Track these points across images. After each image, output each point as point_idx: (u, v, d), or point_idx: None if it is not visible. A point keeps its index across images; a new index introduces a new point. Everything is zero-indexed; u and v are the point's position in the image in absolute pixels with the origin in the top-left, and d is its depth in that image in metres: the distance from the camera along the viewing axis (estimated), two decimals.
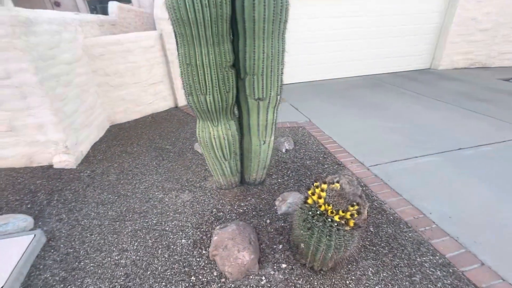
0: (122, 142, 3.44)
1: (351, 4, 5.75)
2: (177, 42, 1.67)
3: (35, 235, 1.86)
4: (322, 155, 2.98)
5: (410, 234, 1.91)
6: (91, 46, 3.56)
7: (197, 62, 1.66)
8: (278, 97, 1.99)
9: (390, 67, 6.74)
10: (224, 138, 2.00)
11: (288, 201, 2.09)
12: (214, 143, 2.00)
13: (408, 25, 6.30)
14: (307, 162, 2.83)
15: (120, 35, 3.89)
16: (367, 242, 1.83)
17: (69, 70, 3.02)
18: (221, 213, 2.11)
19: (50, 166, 2.82)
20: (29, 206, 2.26)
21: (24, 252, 1.73)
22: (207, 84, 1.73)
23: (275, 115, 2.06)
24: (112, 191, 2.45)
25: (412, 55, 6.74)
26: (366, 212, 2.12)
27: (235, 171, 2.25)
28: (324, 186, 1.47)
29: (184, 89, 1.81)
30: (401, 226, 1.99)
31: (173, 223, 2.03)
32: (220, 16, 1.56)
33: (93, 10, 10.85)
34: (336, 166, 2.77)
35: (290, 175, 2.59)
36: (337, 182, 1.54)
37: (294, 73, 6.13)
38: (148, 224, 2.04)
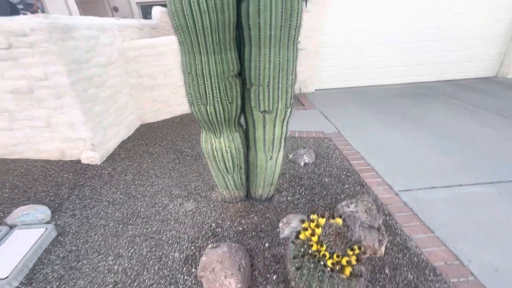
0: (146, 142, 3.57)
1: (400, 1, 5.16)
2: (180, 49, 1.61)
3: (46, 229, 1.98)
4: (344, 173, 2.68)
5: (437, 285, 1.56)
6: (127, 49, 3.78)
7: (197, 71, 1.57)
8: (288, 110, 1.81)
9: (443, 74, 5.92)
10: (226, 150, 1.89)
11: (292, 225, 1.89)
12: (216, 155, 1.90)
13: (469, 26, 5.44)
14: (326, 179, 2.57)
15: (154, 39, 4.06)
16: None
17: (102, 72, 3.23)
18: (219, 229, 2.00)
19: (79, 161, 3.04)
20: (52, 198, 2.44)
21: (33, 245, 1.85)
22: (207, 94, 1.63)
23: (284, 129, 1.88)
24: (125, 191, 2.53)
25: (472, 60, 5.81)
26: (383, 248, 1.82)
27: (239, 184, 2.12)
28: (321, 221, 1.26)
29: (187, 98, 1.75)
30: (427, 272, 1.64)
31: (171, 233, 1.99)
32: (222, 23, 1.45)
33: (146, 14, 11.74)
34: (359, 187, 2.46)
35: (303, 194, 2.37)
36: (340, 217, 1.31)
37: (329, 77, 5.76)
38: (147, 230, 2.03)
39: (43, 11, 6.59)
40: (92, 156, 2.96)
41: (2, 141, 2.97)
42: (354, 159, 2.94)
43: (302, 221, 1.30)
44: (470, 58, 5.78)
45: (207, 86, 1.61)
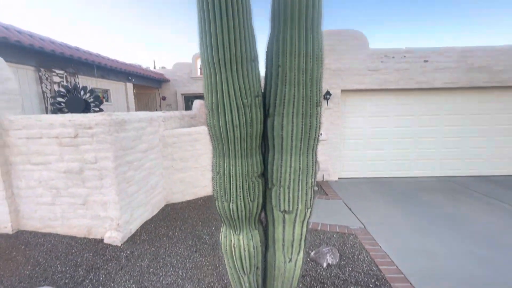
0: (168, 224, 3.62)
1: (424, 103, 5.59)
2: (212, 153, 1.84)
3: None
4: (373, 281, 2.40)
5: None
6: (167, 136, 4.32)
7: (225, 171, 1.74)
8: (308, 211, 1.83)
9: (473, 169, 5.72)
10: (244, 248, 1.86)
11: None
12: (233, 253, 1.88)
13: (495, 126, 5.56)
14: None
15: (191, 128, 4.64)
16: None
17: (142, 156, 3.64)
18: None
19: (101, 240, 3.11)
20: (67, 281, 2.42)
21: None
22: (231, 192, 1.75)
23: (304, 229, 1.86)
24: (138, 280, 2.45)
25: (505, 158, 5.65)
26: None
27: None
28: None
29: (213, 193, 1.88)
30: None
31: None
32: (250, 134, 1.69)
33: (188, 102, 13.73)
34: None
35: None
36: None
37: (353, 167, 5.83)
38: None
39: (107, 100, 8.06)
40: (114, 237, 3.03)
41: (41, 215, 3.22)
42: (383, 263, 2.67)
43: None
44: (503, 154, 5.64)
45: (232, 185, 1.75)
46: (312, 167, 1.80)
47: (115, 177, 3.03)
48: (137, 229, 3.46)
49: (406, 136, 5.69)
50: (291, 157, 1.71)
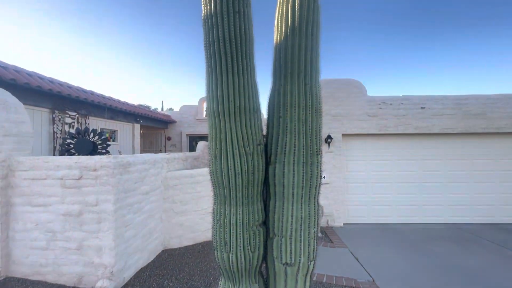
0: (164, 273, 3.41)
1: (425, 148, 5.65)
2: (213, 199, 1.84)
3: None
4: None
5: None
6: (169, 178, 4.33)
7: (225, 220, 1.72)
8: (311, 263, 1.75)
9: (485, 216, 5.51)
10: None
11: None
12: None
13: (501, 171, 5.52)
14: None
15: (194, 170, 4.67)
16: None
17: (143, 199, 3.61)
18: None
19: None
20: None
21: None
22: (231, 242, 1.70)
23: (306, 284, 1.75)
24: None
25: None
26: None
27: None
28: None
29: (212, 242, 1.82)
30: None
31: None
32: (251, 181, 1.71)
33: (192, 141, 14.03)
34: None
35: None
36: None
37: (358, 212, 5.65)
38: None
39: (114, 140, 8.28)
40: (106, 287, 2.85)
41: (33, 260, 3.08)
42: None
43: None
44: (510, 201, 5.48)
45: (232, 234, 1.70)
46: (314, 216, 1.77)
47: (113, 221, 2.96)
48: (131, 278, 3.25)
49: (410, 181, 5.63)
50: (292, 206, 1.70)
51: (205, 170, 4.77)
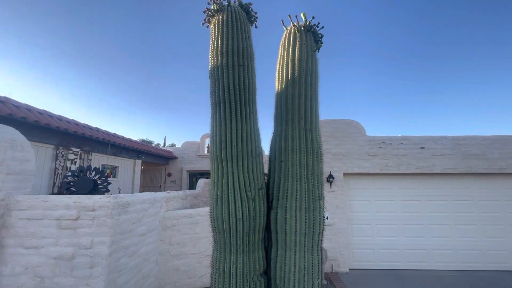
0: None
1: (428, 188, 5.57)
2: (213, 246, 1.78)
3: None
4: None
5: None
6: (167, 218, 4.22)
7: (225, 269, 1.64)
8: None
9: (500, 262, 5.19)
10: None
11: None
12: None
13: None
14: None
15: (193, 209, 4.57)
16: None
17: (140, 240, 3.47)
18: None
19: None
20: None
21: None
22: None
23: None
24: None
25: None
26: None
27: None
28: None
29: None
30: None
31: None
32: (253, 228, 1.67)
33: (192, 177, 13.94)
34: None
35: None
36: None
37: (364, 256, 5.36)
38: None
39: (114, 176, 8.25)
40: None
41: None
42: None
43: None
44: None
45: (232, 285, 1.61)
46: (318, 266, 1.70)
47: (107, 266, 2.82)
48: None
49: (416, 223, 5.44)
50: (295, 254, 1.64)
51: (205, 210, 4.67)
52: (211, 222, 1.71)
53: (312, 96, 1.92)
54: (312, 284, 1.64)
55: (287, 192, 1.75)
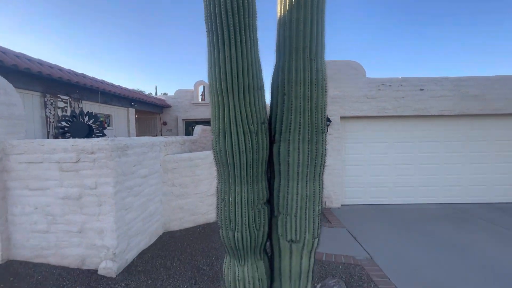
0: (166, 254, 3.46)
1: (422, 130, 5.68)
2: (217, 179, 1.82)
3: None
4: None
5: None
6: (168, 161, 4.29)
7: (230, 198, 1.71)
8: (316, 240, 1.77)
9: (478, 196, 5.65)
10: (249, 281, 1.76)
11: None
12: (237, 285, 1.77)
13: (494, 153, 5.61)
14: None
15: (192, 153, 4.64)
16: None
17: (142, 182, 3.58)
18: None
19: (95, 271, 2.94)
20: None
21: None
22: (236, 220, 1.70)
23: (311, 261, 1.78)
24: None
25: (507, 184, 5.61)
26: None
27: None
28: None
29: (217, 221, 1.82)
30: None
31: None
32: (256, 160, 1.68)
33: (188, 127, 13.90)
34: None
35: None
36: None
37: (355, 193, 5.75)
38: None
39: (108, 125, 8.13)
40: (109, 267, 2.88)
41: (34, 243, 3.08)
42: None
43: None
44: (504, 181, 5.61)
45: (238, 213, 1.70)
46: (319, 194, 1.77)
47: (114, 204, 2.95)
48: (134, 259, 3.29)
49: (407, 163, 5.70)
50: (297, 184, 1.69)
51: (204, 153, 4.75)
52: (214, 156, 1.71)
53: (319, 21, 1.73)
54: (313, 210, 1.73)
55: (290, 126, 1.71)
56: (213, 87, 1.67)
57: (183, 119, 12.32)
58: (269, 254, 1.94)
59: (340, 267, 3.10)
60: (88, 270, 2.98)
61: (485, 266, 3.06)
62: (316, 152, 1.69)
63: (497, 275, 2.85)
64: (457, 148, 5.65)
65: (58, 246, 3.05)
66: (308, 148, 1.68)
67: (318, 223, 1.78)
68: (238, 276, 1.78)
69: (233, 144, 1.64)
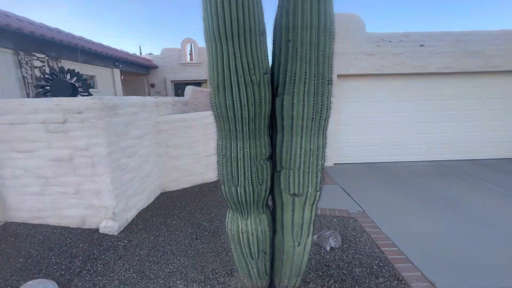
0: (165, 212, 3.52)
1: (418, 89, 5.61)
2: (217, 134, 1.73)
3: None
4: (376, 262, 2.42)
5: None
6: (161, 123, 4.15)
7: (232, 154, 1.65)
8: (318, 193, 1.78)
9: (464, 153, 5.86)
10: (252, 233, 1.80)
11: None
12: (241, 238, 1.81)
13: (486, 110, 5.67)
14: (356, 270, 2.31)
15: (185, 114, 4.48)
16: None
17: (136, 143, 3.48)
18: None
19: (96, 230, 2.99)
20: (63, 272, 2.31)
21: None
22: (239, 176, 1.67)
23: (313, 213, 1.82)
24: (138, 269, 2.37)
25: (492, 142, 5.80)
26: None
27: (263, 273, 1.94)
28: None
29: (218, 178, 1.79)
30: None
31: None
32: (258, 114, 1.59)
33: (177, 89, 13.35)
34: (396, 282, 2.17)
35: None
36: None
37: (348, 152, 5.84)
38: None
39: (93, 86, 7.68)
40: (110, 226, 2.92)
41: (30, 205, 3.05)
42: (384, 245, 2.69)
43: None
44: (497, 138, 5.78)
45: (240, 169, 1.66)
46: (323, 149, 1.73)
47: (108, 165, 2.88)
48: (134, 218, 3.35)
49: (399, 121, 5.73)
50: (301, 138, 1.63)
51: (198, 114, 4.60)
52: (213, 110, 1.60)
53: None
54: (317, 164, 1.71)
55: (295, 77, 1.59)
56: (209, 32, 1.49)
57: (171, 81, 11.77)
58: (271, 208, 1.97)
59: (335, 220, 3.25)
60: (90, 229, 3.03)
61: (472, 214, 3.27)
62: (321, 105, 1.61)
63: (483, 221, 3.06)
64: (452, 106, 5.67)
65: (55, 208, 3.04)
66: (314, 101, 1.58)
67: (321, 177, 1.77)
68: (242, 229, 1.81)
69: (234, 96, 1.52)
